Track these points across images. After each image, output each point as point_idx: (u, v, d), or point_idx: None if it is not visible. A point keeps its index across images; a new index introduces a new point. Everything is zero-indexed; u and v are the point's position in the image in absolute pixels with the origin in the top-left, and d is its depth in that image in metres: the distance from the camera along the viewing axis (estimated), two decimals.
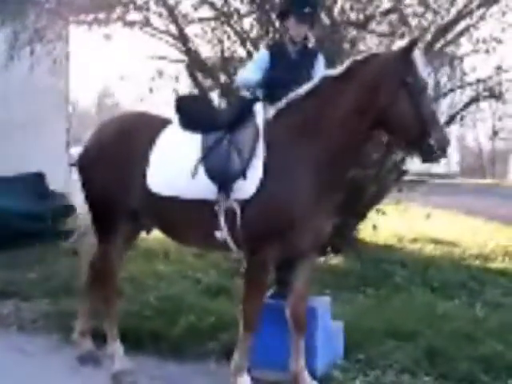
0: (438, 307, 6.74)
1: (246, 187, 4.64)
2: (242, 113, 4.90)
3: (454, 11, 9.06)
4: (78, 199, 6.98)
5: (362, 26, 8.81)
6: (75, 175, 5.87)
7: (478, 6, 9.03)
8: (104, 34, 9.08)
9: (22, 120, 10.90)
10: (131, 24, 8.93)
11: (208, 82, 9.35)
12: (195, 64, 9.18)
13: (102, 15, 8.97)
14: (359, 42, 9.11)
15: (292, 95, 4.79)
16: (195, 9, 8.91)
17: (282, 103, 4.82)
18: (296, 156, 4.64)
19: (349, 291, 7.37)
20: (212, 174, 4.74)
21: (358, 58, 4.77)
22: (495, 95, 9.45)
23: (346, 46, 8.76)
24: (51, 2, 9.08)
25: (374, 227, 9.91)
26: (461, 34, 9.36)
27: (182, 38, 9.06)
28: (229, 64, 9.16)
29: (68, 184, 12.65)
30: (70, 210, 10.34)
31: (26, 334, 6.33)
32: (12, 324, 6.55)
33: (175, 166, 4.88)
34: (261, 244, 4.66)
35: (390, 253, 9.90)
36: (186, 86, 9.53)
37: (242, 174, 4.65)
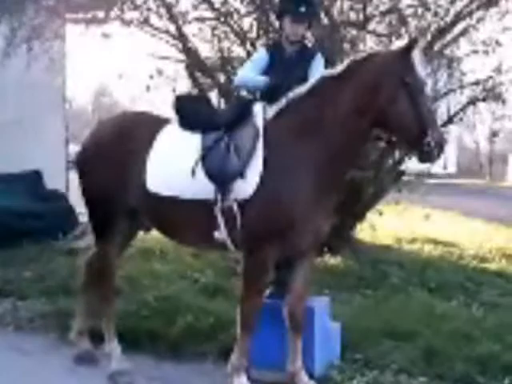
0: (436, 308, 6.74)
1: (245, 187, 4.64)
2: (241, 113, 4.90)
3: (453, 12, 9.06)
4: (76, 197, 6.99)
5: (362, 26, 8.80)
6: (73, 173, 5.86)
7: (478, 8, 9.03)
8: (102, 32, 9.06)
9: (18, 118, 10.88)
10: (129, 23, 8.91)
11: (207, 82, 9.34)
12: (194, 64, 9.17)
13: (99, 14, 8.96)
14: (359, 42, 9.10)
15: (291, 95, 4.79)
16: (194, 8, 8.89)
17: (281, 103, 4.82)
18: (295, 156, 4.64)
19: (347, 291, 7.36)
20: (211, 174, 4.73)
21: (357, 57, 4.78)
22: (494, 96, 9.46)
23: (346, 45, 8.76)
24: (49, 0, 9.06)
25: (373, 228, 9.91)
26: (460, 35, 9.36)
27: (181, 38, 9.05)
28: (228, 64, 9.15)
29: (66, 182, 12.65)
30: (67, 208, 10.33)
31: (22, 333, 6.32)
32: (9, 323, 6.53)
33: (174, 165, 4.88)
34: (259, 244, 4.66)
35: (388, 253, 9.90)
36: (184, 86, 9.52)
37: (241, 174, 4.65)
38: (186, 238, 5.23)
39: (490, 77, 9.29)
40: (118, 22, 8.90)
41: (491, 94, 9.33)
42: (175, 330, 5.85)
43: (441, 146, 4.47)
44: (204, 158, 4.79)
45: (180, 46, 9.15)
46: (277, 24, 5.73)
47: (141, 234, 5.76)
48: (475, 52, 9.20)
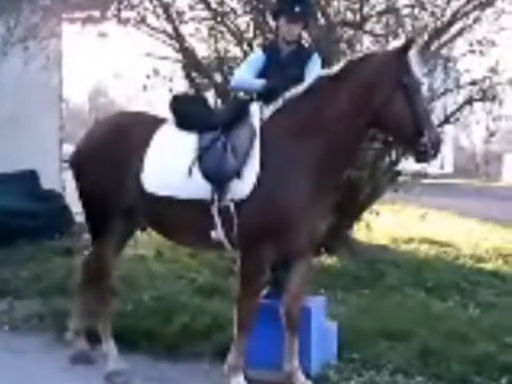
0: (432, 308, 6.76)
1: (242, 187, 4.64)
2: (238, 113, 4.90)
3: (449, 13, 9.07)
4: (72, 197, 6.98)
5: (359, 26, 8.80)
6: (68, 173, 5.85)
7: (474, 8, 9.04)
8: (98, 31, 9.05)
9: (14, 117, 10.85)
10: (126, 22, 8.90)
11: (204, 82, 9.33)
12: (191, 64, 9.16)
13: (96, 13, 8.94)
14: (355, 43, 9.10)
15: (287, 95, 4.79)
16: (191, 8, 8.89)
17: (278, 103, 4.82)
18: (292, 156, 4.64)
19: (343, 291, 7.37)
20: (207, 174, 4.73)
21: (354, 57, 4.79)
22: (489, 97, 9.47)
23: (343, 46, 8.77)
24: None
25: (368, 227, 9.92)
26: (456, 35, 9.38)
27: (178, 38, 9.04)
28: (224, 64, 9.15)
29: (61, 182, 12.63)
30: (63, 208, 10.32)
31: (18, 333, 6.31)
32: (5, 323, 6.51)
33: (171, 165, 4.87)
34: (256, 244, 4.66)
35: (385, 253, 9.92)
36: (181, 86, 9.51)
37: (238, 174, 4.65)
38: (182, 237, 5.23)
39: (487, 77, 9.30)
40: (114, 21, 8.88)
41: (488, 94, 9.35)
42: (172, 330, 5.85)
43: (437, 146, 4.48)
44: (201, 158, 4.79)
45: (177, 45, 9.15)
46: (273, 24, 5.73)
47: (137, 233, 5.76)
48: (472, 52, 9.22)
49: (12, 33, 9.19)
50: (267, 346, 5.08)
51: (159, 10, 8.91)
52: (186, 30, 9.17)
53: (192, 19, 9.10)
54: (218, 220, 4.72)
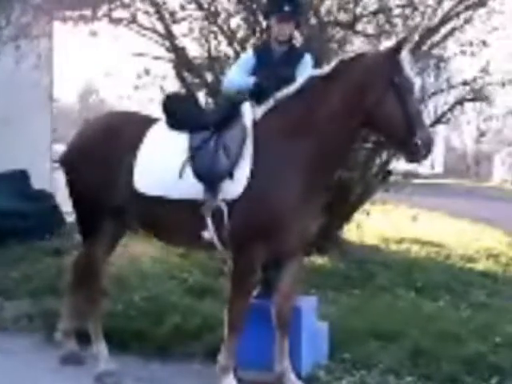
0: (423, 308, 6.77)
1: (234, 187, 4.63)
2: (230, 113, 4.89)
3: (440, 13, 9.09)
4: (62, 197, 6.95)
5: (350, 26, 8.81)
6: (59, 173, 5.83)
7: (465, 9, 9.06)
8: (90, 30, 9.01)
9: (5, 117, 10.80)
10: (117, 21, 8.88)
11: (195, 82, 9.31)
12: (182, 63, 9.14)
13: (87, 12, 8.91)
14: (347, 43, 9.11)
15: (279, 95, 4.79)
16: (182, 8, 8.87)
17: (270, 103, 4.81)
18: (283, 156, 4.64)
19: (333, 291, 7.38)
20: (199, 174, 4.72)
21: (346, 57, 4.78)
22: (480, 97, 9.50)
23: (334, 46, 8.77)
24: None
25: (359, 227, 9.93)
26: (447, 36, 9.40)
27: (169, 37, 9.02)
28: (216, 63, 9.14)
29: (52, 182, 12.58)
30: (54, 208, 10.28)
31: (8, 334, 6.27)
32: None
33: (162, 165, 4.86)
34: (248, 244, 4.65)
35: (375, 253, 9.94)
36: (172, 85, 9.49)
37: (230, 174, 4.64)
38: (173, 238, 5.22)
39: (478, 77, 9.32)
40: (105, 20, 8.86)
41: (479, 94, 9.37)
42: (163, 331, 5.83)
43: (429, 146, 4.49)
44: (192, 158, 4.78)
45: (168, 45, 9.13)
46: (265, 24, 5.72)
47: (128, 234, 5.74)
48: (463, 53, 9.24)
49: (3, 32, 9.15)
50: (258, 347, 5.07)
51: (151, 10, 8.89)
52: (177, 29, 9.16)
53: (183, 19, 9.08)
54: (209, 220, 4.72)
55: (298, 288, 5.11)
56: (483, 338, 5.79)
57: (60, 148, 10.08)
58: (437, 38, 9.32)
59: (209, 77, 9.18)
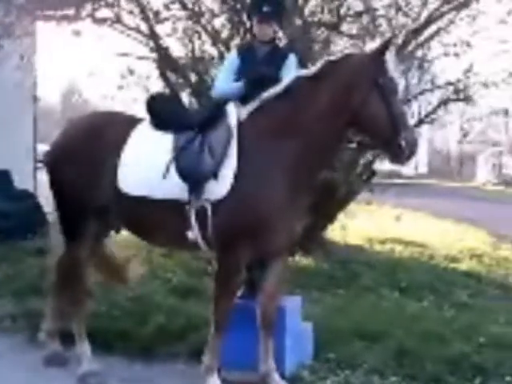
0: (407, 308, 6.79)
1: (219, 188, 4.62)
2: (214, 113, 4.88)
3: (425, 14, 9.12)
4: (45, 197, 6.90)
5: (334, 26, 8.82)
6: (42, 173, 5.79)
7: (449, 10, 9.10)
8: (73, 30, 8.96)
9: None
10: (101, 21, 8.83)
11: (179, 82, 9.29)
12: (166, 63, 9.12)
13: (71, 11, 8.86)
14: (331, 43, 9.13)
15: (265, 95, 4.78)
16: (166, 7, 8.84)
17: (255, 103, 4.80)
18: (269, 156, 4.63)
19: (318, 291, 7.40)
20: (184, 175, 4.71)
21: (332, 58, 4.79)
22: (464, 98, 9.55)
23: (318, 46, 8.77)
24: None
25: (343, 227, 9.95)
26: (431, 37, 9.43)
27: (153, 37, 8.99)
28: (200, 63, 9.12)
29: (34, 182, 12.51)
30: (36, 208, 10.23)
31: None
32: None
33: (146, 165, 4.84)
34: (233, 244, 4.64)
35: (359, 253, 9.97)
36: (156, 85, 9.46)
37: (215, 174, 4.63)
38: (158, 238, 5.19)
39: (460, 80, 9.37)
40: (89, 20, 8.81)
41: (462, 95, 9.42)
42: (147, 331, 5.82)
43: (412, 147, 4.49)
44: (177, 158, 4.76)
45: (152, 45, 9.10)
46: (248, 24, 5.72)
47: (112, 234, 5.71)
48: (446, 55, 9.28)
49: None
50: (242, 347, 5.06)
51: (135, 10, 8.85)
52: (162, 29, 9.13)
53: (166, 19, 9.05)
54: (194, 220, 4.70)
55: (282, 288, 5.11)
56: (467, 339, 5.81)
57: (43, 148, 10.03)
58: (421, 38, 9.35)
59: (192, 77, 9.16)
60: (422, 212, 17.18)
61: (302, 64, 5.52)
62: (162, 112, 5.06)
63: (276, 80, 4.88)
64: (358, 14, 8.93)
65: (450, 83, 9.58)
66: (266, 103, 4.77)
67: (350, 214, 9.96)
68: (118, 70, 9.14)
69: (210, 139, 4.76)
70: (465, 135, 10.40)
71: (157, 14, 8.85)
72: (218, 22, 9.02)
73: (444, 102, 9.65)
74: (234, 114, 4.82)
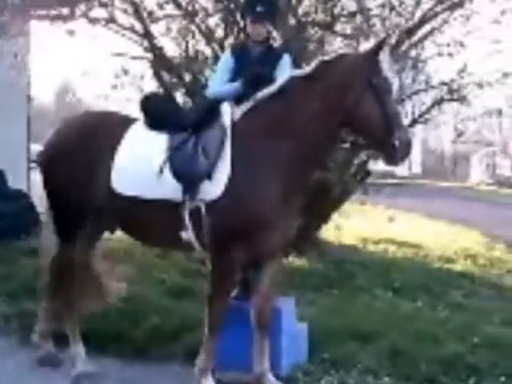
0: (401, 308, 6.79)
1: (213, 188, 4.61)
2: (209, 113, 4.87)
3: (418, 14, 9.13)
4: (38, 197, 6.88)
5: (328, 27, 8.82)
6: (35, 173, 5.77)
7: (443, 10, 9.11)
8: (67, 29, 8.94)
9: None
10: (95, 21, 8.81)
11: (173, 81, 9.27)
12: (160, 62, 9.10)
13: (65, 11, 8.84)
14: (325, 43, 9.12)
15: (259, 95, 4.77)
16: (160, 7, 8.83)
17: (249, 104, 4.80)
18: (263, 157, 4.63)
19: (312, 292, 7.39)
20: (178, 175, 4.70)
21: (326, 58, 4.79)
22: (458, 98, 9.56)
23: (312, 46, 8.77)
24: None
25: (337, 228, 9.95)
26: (425, 37, 9.44)
27: (147, 36, 8.98)
28: (194, 63, 9.10)
29: (28, 182, 12.48)
30: (30, 208, 10.20)
31: None
32: None
33: (140, 165, 4.82)
34: (227, 245, 4.63)
35: (353, 254, 9.98)
36: (150, 85, 9.45)
37: (209, 174, 4.62)
38: (152, 238, 5.18)
39: (454, 80, 9.38)
40: (83, 19, 8.78)
41: (456, 95, 9.43)
42: (141, 332, 5.81)
43: (407, 147, 4.49)
44: (171, 158, 4.75)
45: (146, 44, 9.08)
46: (242, 24, 5.71)
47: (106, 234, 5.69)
48: (440, 55, 9.29)
49: None
50: (237, 348, 5.06)
51: (129, 9, 8.84)
52: (156, 29, 9.12)
53: (160, 19, 9.04)
54: (188, 221, 4.69)
55: (277, 289, 5.10)
56: (461, 339, 5.82)
57: (37, 148, 10.00)
58: (415, 38, 9.35)
59: (187, 76, 9.15)
60: (415, 212, 17.19)
61: (296, 64, 5.51)
62: (156, 112, 5.05)
63: (270, 80, 4.88)
64: (352, 14, 8.92)
65: (443, 83, 9.59)
66: (260, 103, 4.76)
67: (344, 214, 9.97)
68: (112, 69, 9.12)
69: (204, 139, 4.75)
70: (459, 135, 10.42)
71: (151, 13, 8.83)
72: (212, 22, 9.02)
73: (438, 102, 9.66)
74: (228, 114, 4.81)
